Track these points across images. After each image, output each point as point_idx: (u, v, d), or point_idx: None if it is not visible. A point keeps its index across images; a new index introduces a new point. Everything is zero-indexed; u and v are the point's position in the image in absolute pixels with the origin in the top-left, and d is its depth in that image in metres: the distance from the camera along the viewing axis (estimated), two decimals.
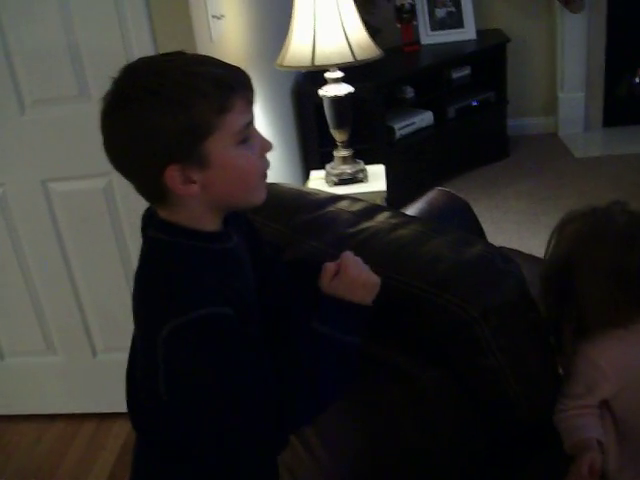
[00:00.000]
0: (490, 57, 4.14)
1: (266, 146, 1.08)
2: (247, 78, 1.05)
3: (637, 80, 3.81)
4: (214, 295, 1.00)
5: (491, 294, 1.16)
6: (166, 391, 1.03)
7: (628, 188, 3.70)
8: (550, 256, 1.33)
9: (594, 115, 4.55)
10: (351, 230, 1.34)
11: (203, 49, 2.02)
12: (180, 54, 1.05)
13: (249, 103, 1.04)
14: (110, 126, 1.01)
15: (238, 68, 1.04)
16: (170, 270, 1.04)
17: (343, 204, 1.44)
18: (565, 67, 4.43)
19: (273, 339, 1.09)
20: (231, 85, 1.00)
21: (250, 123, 1.05)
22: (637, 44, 4.25)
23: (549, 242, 1.34)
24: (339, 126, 2.66)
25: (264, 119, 2.64)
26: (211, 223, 1.09)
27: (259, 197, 1.10)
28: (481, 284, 1.17)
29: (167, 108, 0.97)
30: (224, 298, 1.00)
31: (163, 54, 1.06)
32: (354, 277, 1.11)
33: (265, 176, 1.10)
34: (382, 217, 1.36)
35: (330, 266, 1.13)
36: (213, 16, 2.15)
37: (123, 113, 0.99)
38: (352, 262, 1.13)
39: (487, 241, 1.36)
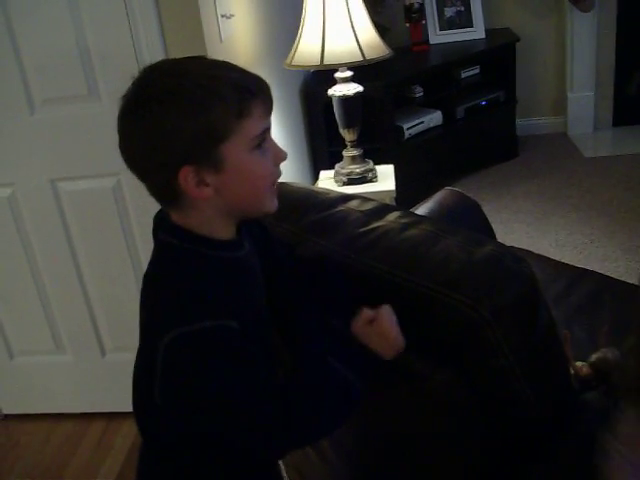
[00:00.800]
0: (499, 56, 4.13)
1: (280, 156, 1.09)
2: (266, 86, 1.05)
3: None
4: (219, 307, 1.00)
5: (502, 294, 1.16)
6: (160, 395, 1.04)
7: (638, 188, 3.69)
8: None
9: (604, 114, 4.54)
10: (361, 230, 1.33)
11: (212, 49, 2.02)
12: (201, 58, 1.06)
13: (267, 110, 1.05)
14: (128, 125, 1.01)
15: (257, 75, 1.05)
16: (178, 278, 1.04)
17: (353, 203, 1.43)
18: (574, 66, 4.41)
19: (283, 340, 1.09)
20: (251, 90, 1.01)
21: (267, 130, 1.06)
22: None
23: None
24: (348, 125, 2.66)
25: (273, 119, 2.63)
26: (223, 230, 1.08)
27: (270, 205, 1.10)
28: (492, 284, 1.17)
29: (186, 110, 0.97)
30: (229, 311, 1.00)
31: (184, 57, 1.06)
32: (387, 333, 1.14)
33: (275, 185, 1.10)
34: (392, 217, 1.36)
35: (368, 313, 1.15)
36: (222, 15, 2.15)
37: (142, 113, 0.98)
38: (389, 317, 1.15)
39: (497, 241, 1.35)
